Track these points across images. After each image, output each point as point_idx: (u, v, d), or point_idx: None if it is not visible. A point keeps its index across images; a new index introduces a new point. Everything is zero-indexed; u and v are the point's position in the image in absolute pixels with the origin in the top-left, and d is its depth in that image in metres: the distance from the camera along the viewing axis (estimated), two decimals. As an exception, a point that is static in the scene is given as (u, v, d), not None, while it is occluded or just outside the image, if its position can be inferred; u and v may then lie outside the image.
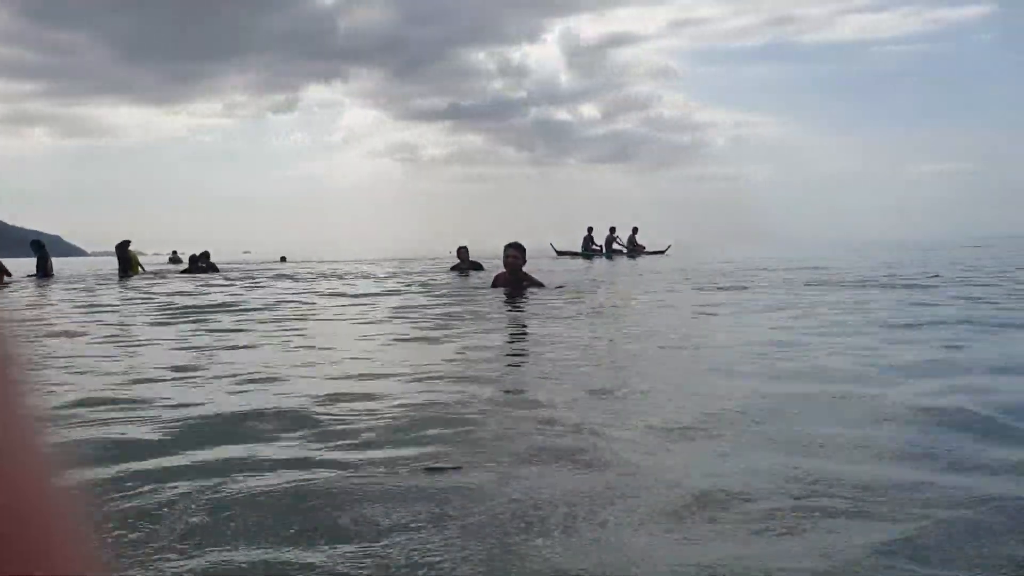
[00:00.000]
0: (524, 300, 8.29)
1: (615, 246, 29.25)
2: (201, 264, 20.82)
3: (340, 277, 16.48)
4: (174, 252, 27.51)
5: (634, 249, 29.10)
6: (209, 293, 11.45)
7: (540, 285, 9.31)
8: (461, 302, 8.64)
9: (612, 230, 29.53)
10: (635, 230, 29.69)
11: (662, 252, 28.89)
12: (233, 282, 14.69)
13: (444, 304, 8.32)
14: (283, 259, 33.34)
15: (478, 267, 14.96)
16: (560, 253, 29.47)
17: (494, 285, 9.59)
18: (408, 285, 12.49)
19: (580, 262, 24.10)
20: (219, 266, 21.58)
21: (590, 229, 29.47)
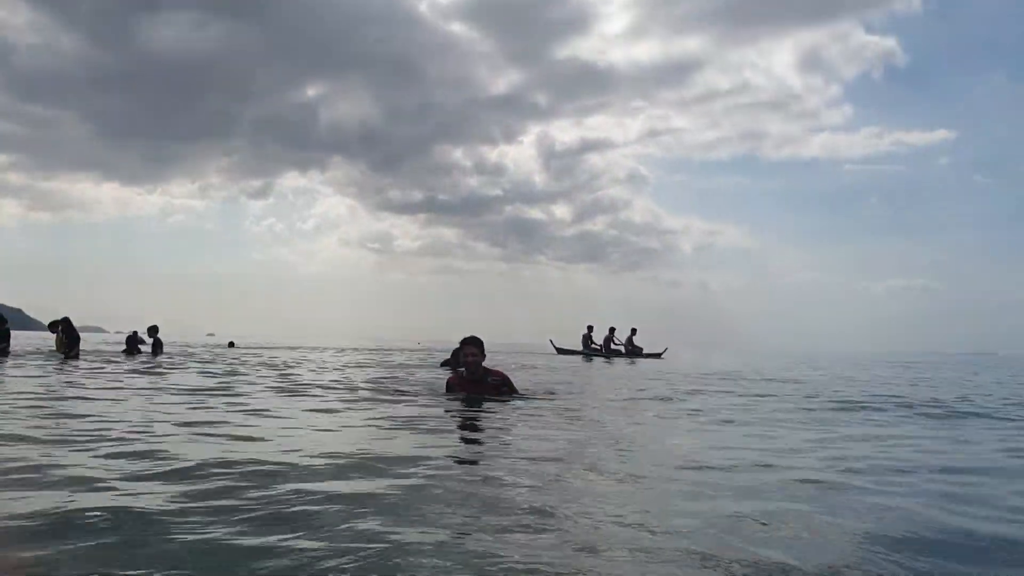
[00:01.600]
0: (497, 410, 7.01)
1: (613, 346, 29.35)
2: (142, 342, 19.72)
3: (284, 366, 15.75)
4: (134, 333, 28.18)
5: (632, 350, 29.20)
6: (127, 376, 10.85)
7: (504, 377, 8.05)
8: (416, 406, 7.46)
9: (612, 330, 29.77)
10: (633, 331, 29.87)
11: (659, 355, 29.08)
12: (172, 364, 14.32)
13: (397, 408, 7.23)
14: (232, 344, 32.98)
15: None
16: (560, 351, 29.57)
17: (448, 390, 8.16)
18: (359, 375, 11.68)
19: (579, 360, 24.11)
20: (177, 348, 20.73)
21: (590, 328, 29.68)
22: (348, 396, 8.59)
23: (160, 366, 14.19)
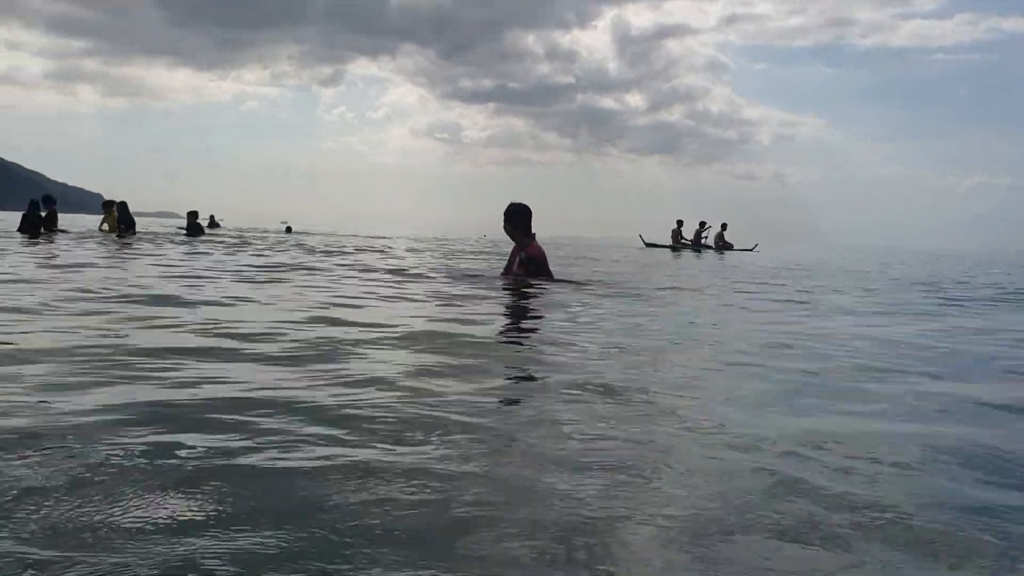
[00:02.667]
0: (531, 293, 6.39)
1: (703, 241, 28.37)
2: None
3: (327, 248, 15.60)
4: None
5: (723, 245, 28.20)
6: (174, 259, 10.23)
7: (534, 254, 7.07)
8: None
9: (702, 224, 29.09)
10: (724, 226, 29.07)
11: (751, 250, 27.98)
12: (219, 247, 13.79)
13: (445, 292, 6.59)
14: (289, 229, 31.49)
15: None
16: (648, 245, 28.62)
17: (512, 255, 7.37)
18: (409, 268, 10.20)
19: (668, 254, 23.20)
20: (231, 233, 22.40)
21: (679, 222, 28.87)
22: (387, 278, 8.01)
23: (195, 248, 13.86)
